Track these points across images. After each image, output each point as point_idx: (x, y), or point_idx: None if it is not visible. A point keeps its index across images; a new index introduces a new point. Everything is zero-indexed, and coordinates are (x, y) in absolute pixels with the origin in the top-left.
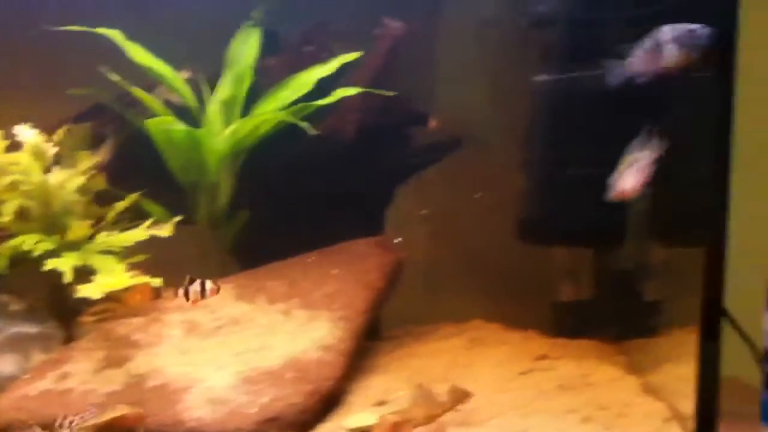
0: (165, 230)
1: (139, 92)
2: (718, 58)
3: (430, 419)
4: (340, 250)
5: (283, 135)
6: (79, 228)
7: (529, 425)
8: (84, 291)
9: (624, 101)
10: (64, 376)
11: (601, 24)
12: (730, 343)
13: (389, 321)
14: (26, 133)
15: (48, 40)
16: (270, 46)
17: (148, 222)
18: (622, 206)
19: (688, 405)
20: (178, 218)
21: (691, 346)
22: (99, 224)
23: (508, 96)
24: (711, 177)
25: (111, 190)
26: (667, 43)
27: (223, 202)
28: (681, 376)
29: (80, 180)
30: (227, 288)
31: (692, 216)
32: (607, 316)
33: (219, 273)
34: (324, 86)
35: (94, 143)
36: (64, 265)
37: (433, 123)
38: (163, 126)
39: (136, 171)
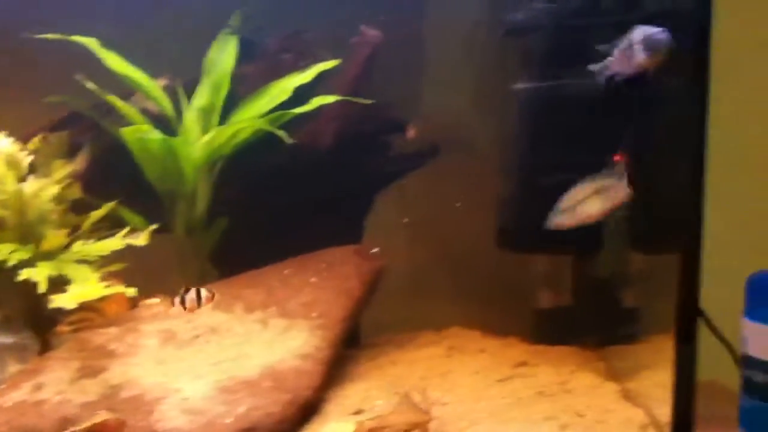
0: (141, 239)
1: (115, 100)
2: (688, 61)
3: (410, 427)
4: (319, 258)
5: (261, 143)
6: (54, 237)
7: None
8: (58, 301)
9: (603, 106)
10: (39, 387)
11: (579, 30)
12: (708, 347)
13: (369, 329)
14: (0, 142)
15: (24, 48)
16: (247, 53)
17: (124, 231)
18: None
19: (666, 412)
20: (153, 227)
21: (670, 352)
22: (75, 233)
23: (487, 103)
24: (687, 178)
25: (88, 198)
26: (637, 44)
27: (200, 211)
28: (659, 383)
29: (56, 189)
30: None
31: (670, 221)
32: (587, 322)
33: (197, 281)
34: (302, 94)
35: (70, 152)
36: (39, 275)
37: (411, 132)
38: (139, 134)
39: (114, 179)
